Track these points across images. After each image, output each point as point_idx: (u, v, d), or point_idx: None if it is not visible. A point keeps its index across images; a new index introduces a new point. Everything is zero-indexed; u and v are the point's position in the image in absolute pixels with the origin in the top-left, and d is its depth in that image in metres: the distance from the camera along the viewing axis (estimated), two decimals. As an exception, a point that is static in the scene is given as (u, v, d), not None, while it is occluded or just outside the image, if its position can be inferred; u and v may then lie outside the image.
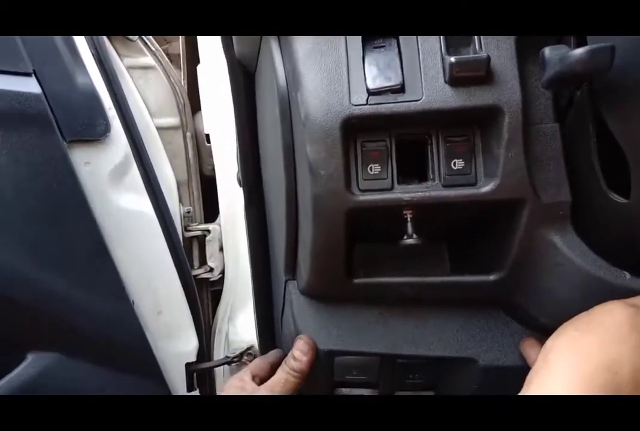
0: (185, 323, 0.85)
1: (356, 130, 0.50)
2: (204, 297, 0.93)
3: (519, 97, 0.48)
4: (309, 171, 0.51)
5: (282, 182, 0.59)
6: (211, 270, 0.91)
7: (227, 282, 0.92)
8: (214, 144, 0.84)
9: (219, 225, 0.89)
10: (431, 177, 0.53)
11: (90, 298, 0.74)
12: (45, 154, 0.69)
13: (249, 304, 0.88)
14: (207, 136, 0.86)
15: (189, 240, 0.89)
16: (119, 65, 0.78)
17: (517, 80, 0.48)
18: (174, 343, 0.85)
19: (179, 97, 0.84)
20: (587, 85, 0.48)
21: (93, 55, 0.74)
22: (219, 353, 0.93)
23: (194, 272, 0.89)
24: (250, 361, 0.93)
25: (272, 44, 0.55)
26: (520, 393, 0.47)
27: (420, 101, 0.49)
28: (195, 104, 0.87)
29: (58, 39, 0.72)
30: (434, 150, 0.52)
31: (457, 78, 0.47)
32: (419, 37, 0.50)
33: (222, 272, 0.92)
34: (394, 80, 0.48)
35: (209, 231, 0.89)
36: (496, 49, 0.48)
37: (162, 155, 0.83)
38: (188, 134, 0.86)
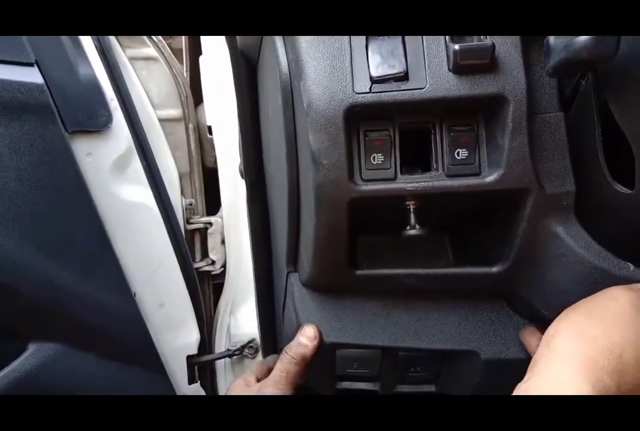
0: (187, 316, 0.85)
1: (359, 118, 0.50)
2: (205, 290, 0.93)
3: (523, 85, 0.48)
4: (312, 160, 0.50)
5: (285, 173, 0.59)
6: (213, 263, 0.91)
7: (228, 275, 0.91)
8: (216, 136, 0.83)
9: (221, 217, 0.88)
10: (435, 166, 0.53)
11: (91, 289, 0.74)
12: (47, 145, 0.69)
13: (251, 297, 0.88)
14: (210, 128, 0.86)
15: (190, 233, 0.89)
16: (122, 56, 0.77)
17: (521, 68, 0.48)
18: (176, 335, 0.85)
19: (182, 89, 0.84)
20: (592, 74, 0.47)
21: (95, 46, 0.74)
22: (220, 346, 0.93)
23: (196, 265, 0.88)
24: (252, 354, 0.93)
25: None
26: (524, 378, 0.47)
27: (424, 89, 0.48)
28: (197, 96, 0.86)
29: (60, 30, 0.71)
30: (438, 140, 0.52)
31: (461, 66, 0.47)
32: None
33: (224, 265, 0.92)
34: (397, 68, 0.48)
35: (210, 224, 0.88)
36: (501, 37, 0.48)
37: (164, 147, 0.83)
38: (190, 126, 0.86)
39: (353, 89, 0.49)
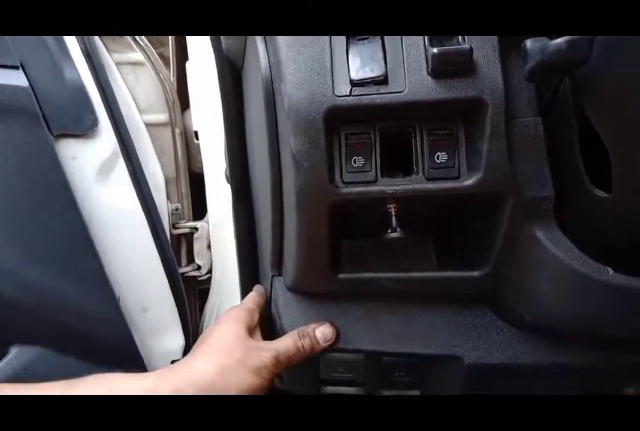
0: (172, 321, 0.85)
1: (340, 122, 0.50)
2: (191, 295, 0.93)
3: (501, 89, 0.48)
4: (293, 163, 0.51)
5: (268, 176, 0.59)
6: (199, 268, 0.90)
7: (214, 280, 0.91)
8: (203, 141, 0.83)
9: (207, 222, 0.88)
10: (415, 170, 0.53)
11: (74, 292, 0.74)
12: (31, 148, 0.69)
13: (237, 302, 0.87)
14: (196, 133, 0.86)
15: (176, 238, 0.89)
16: (108, 60, 0.77)
17: (499, 72, 0.48)
18: (160, 340, 0.84)
19: (169, 94, 0.84)
20: (569, 79, 0.48)
21: (81, 49, 0.73)
22: (205, 352, 0.92)
23: (182, 270, 0.88)
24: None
25: (257, 36, 0.55)
26: None
27: (403, 93, 0.49)
28: (184, 101, 0.87)
29: (47, 33, 0.72)
30: (418, 144, 0.53)
31: (439, 70, 0.48)
32: None
33: (210, 271, 0.92)
34: (376, 72, 0.49)
35: (196, 228, 0.88)
36: (479, 41, 0.49)
37: (150, 152, 0.83)
38: (177, 131, 0.86)
39: (333, 92, 0.49)
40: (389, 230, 0.54)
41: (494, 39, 0.49)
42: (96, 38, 0.76)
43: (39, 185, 0.70)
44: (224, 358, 0.59)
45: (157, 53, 0.84)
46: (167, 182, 0.86)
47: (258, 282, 0.80)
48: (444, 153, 0.51)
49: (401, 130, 0.52)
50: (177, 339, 0.85)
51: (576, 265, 0.53)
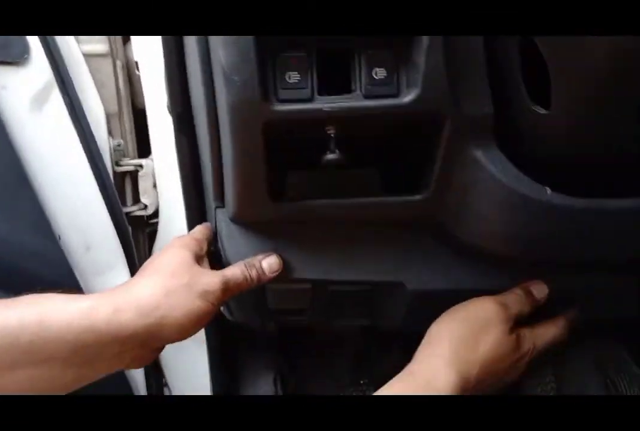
0: (117, 260, 0.83)
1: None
2: (139, 235, 0.91)
3: None
4: (223, 77, 0.48)
5: (203, 98, 0.57)
6: (145, 207, 0.88)
7: (161, 219, 0.89)
8: (143, 72, 0.80)
9: (152, 160, 0.85)
10: (354, 88, 0.51)
11: (11, 230, 0.71)
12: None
13: (186, 241, 0.86)
14: (137, 64, 0.82)
15: (120, 176, 0.86)
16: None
17: None
18: (104, 280, 0.82)
19: (106, 22, 0.79)
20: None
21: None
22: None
23: (127, 209, 0.86)
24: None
25: None
26: (406, 368, 0.60)
27: None
28: (125, 31, 0.82)
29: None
30: (356, 60, 0.51)
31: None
32: None
33: (157, 210, 0.89)
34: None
35: (141, 166, 0.85)
36: None
37: (89, 84, 0.79)
38: (118, 63, 0.82)
39: None
40: (327, 152, 0.53)
41: None
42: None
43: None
44: (169, 281, 0.57)
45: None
46: (109, 117, 0.83)
47: (205, 218, 0.78)
48: (382, 69, 0.50)
49: (339, 46, 0.50)
50: (122, 278, 0.84)
51: (515, 185, 0.52)
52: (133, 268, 0.85)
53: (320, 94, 0.51)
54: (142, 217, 0.89)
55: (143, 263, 0.89)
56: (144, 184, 0.86)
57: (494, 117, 0.51)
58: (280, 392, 0.92)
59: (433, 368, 0.58)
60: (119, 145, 0.83)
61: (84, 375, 0.55)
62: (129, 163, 0.85)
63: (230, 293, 0.61)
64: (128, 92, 0.85)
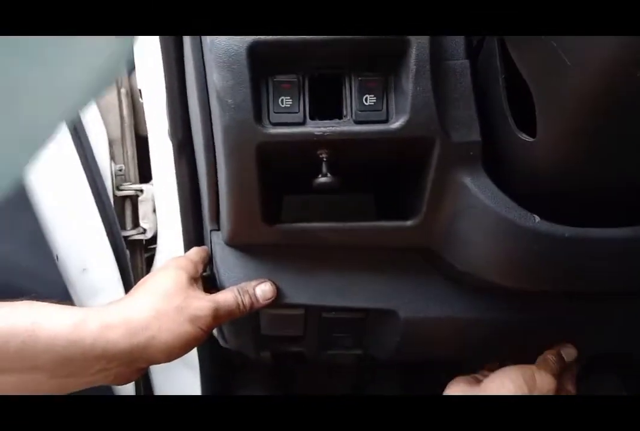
0: (112, 283, 0.83)
1: (265, 59, 0.50)
2: (137, 259, 0.91)
3: (427, 28, 0.48)
4: (217, 100, 0.50)
5: (199, 121, 0.58)
6: (144, 231, 0.89)
7: (159, 243, 0.90)
8: (147, 100, 0.82)
9: (153, 185, 0.87)
10: (345, 113, 0.53)
11: (9, 250, 0.72)
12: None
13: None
14: (140, 91, 0.84)
15: (121, 200, 0.87)
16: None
17: None
18: (100, 302, 0.82)
19: (113, 51, 0.82)
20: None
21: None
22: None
23: (126, 233, 0.87)
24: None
25: None
26: None
27: None
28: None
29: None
30: (347, 86, 0.52)
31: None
32: None
33: (156, 235, 0.90)
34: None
35: (142, 191, 0.87)
36: None
37: (93, 109, 0.81)
38: (123, 90, 0.84)
39: None
40: (320, 176, 0.54)
41: None
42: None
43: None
44: (161, 302, 0.57)
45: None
46: (111, 143, 0.84)
47: (202, 242, 0.79)
48: (372, 95, 0.51)
49: (331, 72, 0.52)
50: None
51: (503, 212, 0.53)
52: (129, 290, 0.85)
53: (312, 118, 0.52)
54: (140, 241, 0.90)
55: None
56: (143, 209, 0.88)
57: (481, 144, 0.52)
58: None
59: None
60: (120, 170, 0.85)
61: (68, 386, 0.55)
62: (129, 188, 0.86)
63: (221, 319, 0.61)
64: (132, 118, 0.87)
